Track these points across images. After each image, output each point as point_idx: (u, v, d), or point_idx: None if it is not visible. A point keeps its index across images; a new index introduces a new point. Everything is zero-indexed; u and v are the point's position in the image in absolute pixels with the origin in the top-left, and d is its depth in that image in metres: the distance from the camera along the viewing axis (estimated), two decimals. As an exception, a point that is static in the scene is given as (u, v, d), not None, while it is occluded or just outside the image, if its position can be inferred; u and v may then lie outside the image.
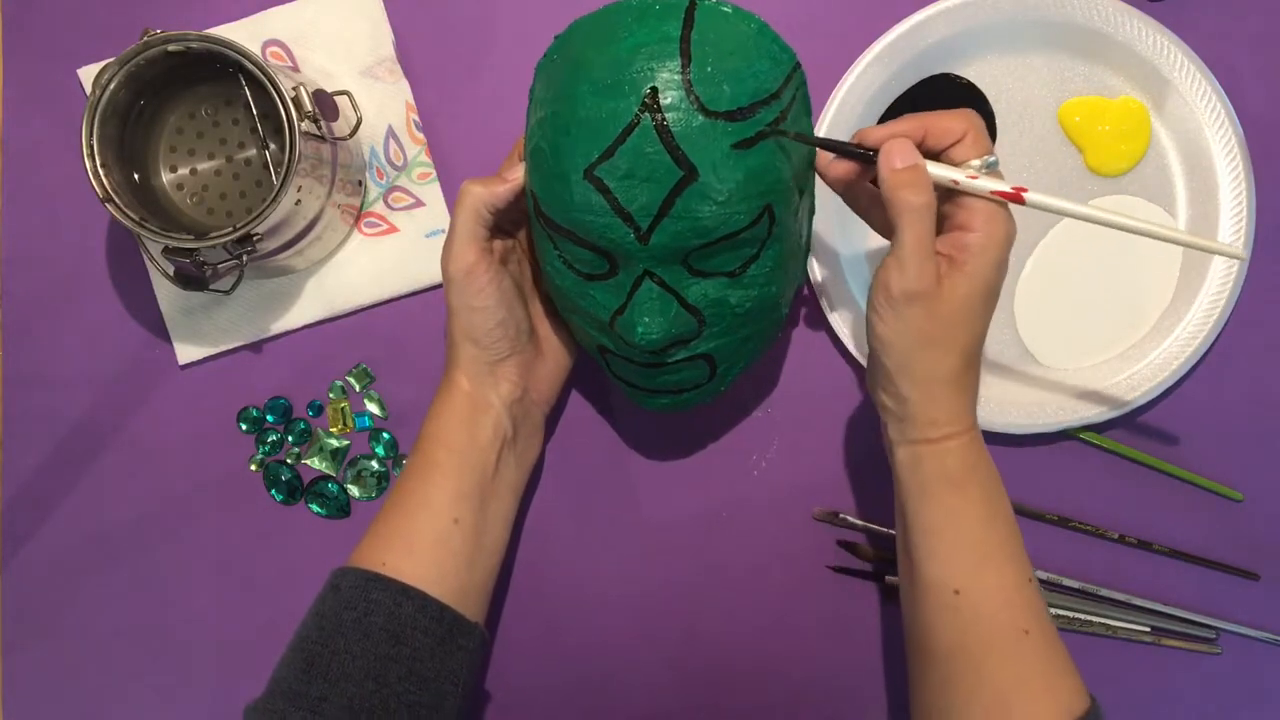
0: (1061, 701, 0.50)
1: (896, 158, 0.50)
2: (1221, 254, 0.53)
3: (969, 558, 0.51)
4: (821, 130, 0.65)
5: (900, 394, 0.52)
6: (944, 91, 0.67)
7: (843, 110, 0.66)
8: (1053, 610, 0.66)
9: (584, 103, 0.51)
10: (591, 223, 0.52)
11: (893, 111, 0.67)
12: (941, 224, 0.52)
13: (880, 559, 0.67)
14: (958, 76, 0.67)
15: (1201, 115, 0.65)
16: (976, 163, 0.51)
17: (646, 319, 0.54)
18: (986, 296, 0.51)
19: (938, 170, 0.51)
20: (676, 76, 0.50)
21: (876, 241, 0.68)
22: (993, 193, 0.50)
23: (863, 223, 0.68)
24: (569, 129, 0.51)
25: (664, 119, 0.50)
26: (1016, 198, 0.50)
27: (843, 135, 0.66)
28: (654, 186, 0.50)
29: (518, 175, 0.56)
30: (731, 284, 0.55)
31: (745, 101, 0.51)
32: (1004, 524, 0.53)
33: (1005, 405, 0.66)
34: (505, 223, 0.59)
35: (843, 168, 0.54)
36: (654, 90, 0.50)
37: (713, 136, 0.50)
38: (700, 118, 0.50)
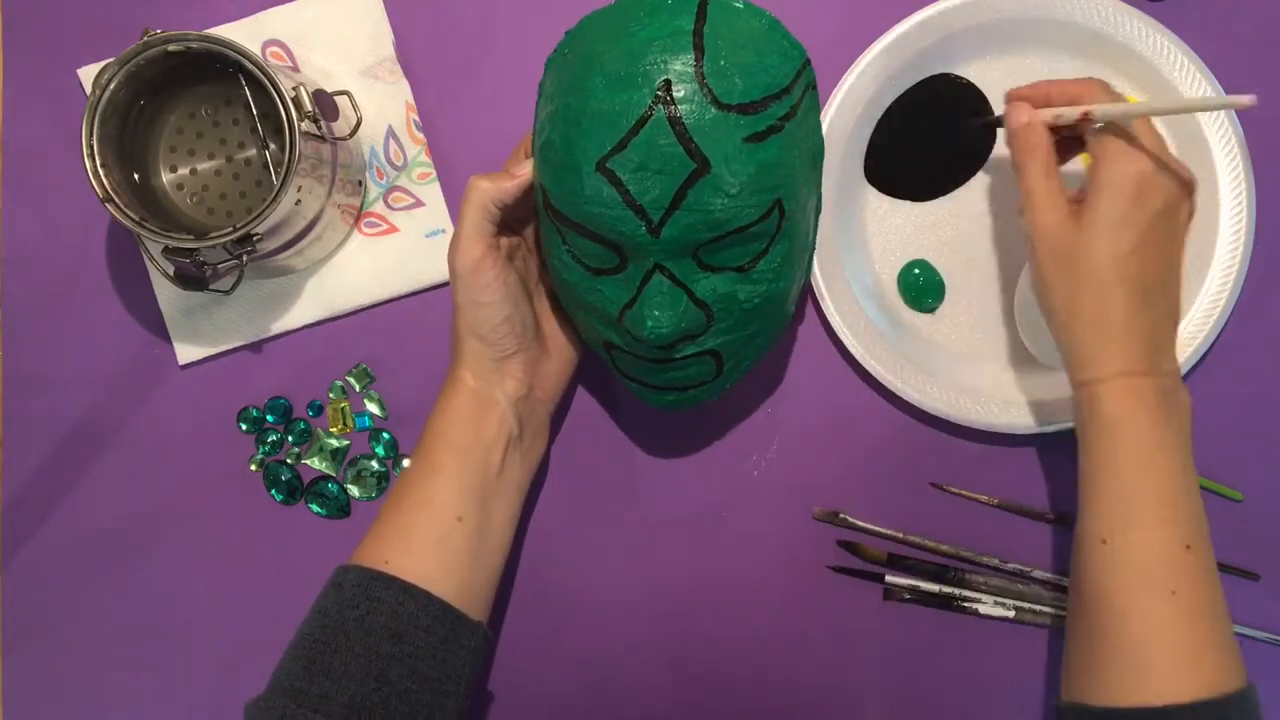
0: (1205, 672, 0.49)
1: (1015, 117, 0.57)
2: (1229, 105, 0.56)
3: (1117, 510, 0.52)
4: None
5: (1056, 334, 0.56)
6: (944, 91, 0.67)
7: (843, 110, 0.66)
8: (1053, 610, 0.66)
9: (596, 95, 0.51)
10: (602, 215, 0.52)
11: (893, 111, 0.67)
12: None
13: (881, 559, 0.67)
14: (958, 76, 0.67)
15: (1201, 115, 0.65)
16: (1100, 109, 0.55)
17: (657, 312, 0.54)
18: (1109, 230, 0.53)
19: (1048, 112, 0.57)
20: (690, 69, 0.50)
21: (878, 243, 0.68)
22: (1082, 116, 0.55)
23: (864, 225, 0.68)
24: (581, 121, 0.51)
25: (677, 111, 0.50)
26: (1085, 119, 0.56)
27: (843, 134, 0.66)
28: (666, 179, 0.51)
29: (525, 171, 0.56)
30: (740, 279, 0.55)
31: (757, 95, 0.51)
32: (1159, 485, 0.52)
33: (1005, 405, 0.66)
34: (511, 220, 0.59)
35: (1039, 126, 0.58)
36: (667, 83, 0.50)
37: (725, 129, 0.50)
38: (713, 110, 0.50)
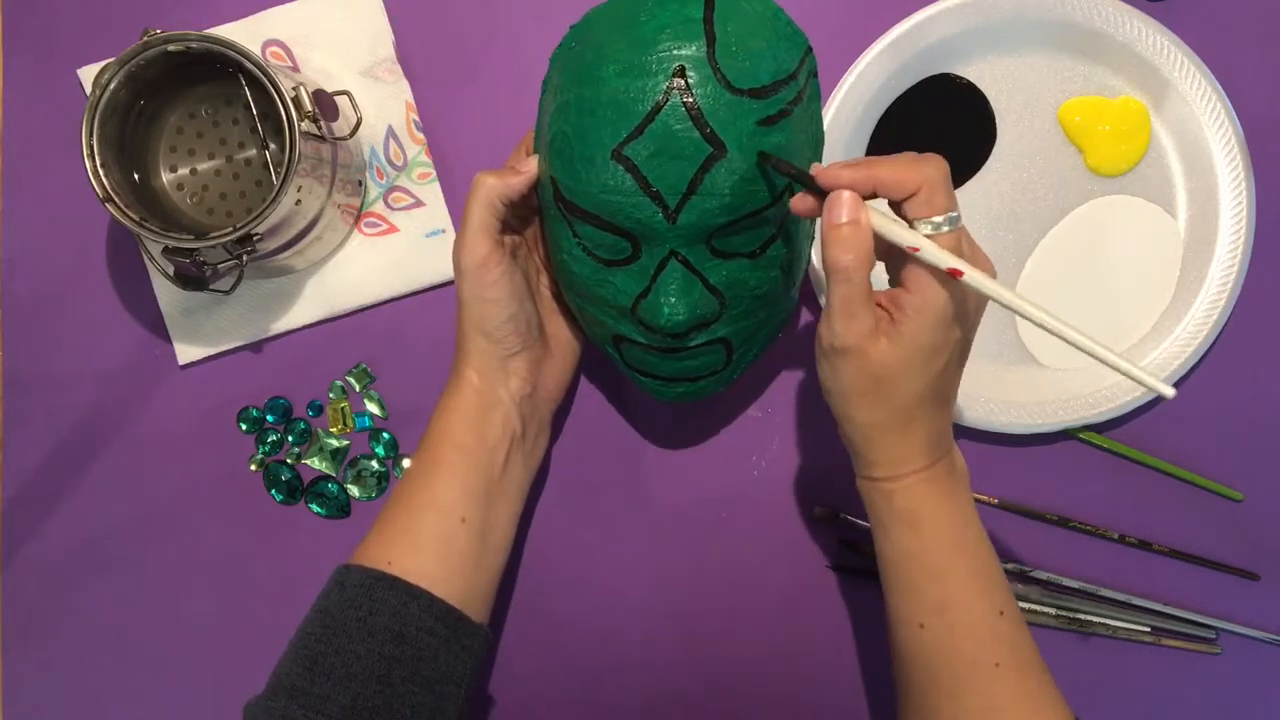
0: None
1: (834, 212, 0.48)
2: (1148, 386, 0.47)
3: (929, 595, 0.52)
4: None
5: (845, 434, 0.53)
6: (944, 91, 0.67)
7: (843, 111, 0.66)
8: (1053, 610, 0.66)
9: (610, 84, 0.51)
10: (619, 203, 0.52)
11: (893, 112, 0.67)
12: (897, 275, 0.51)
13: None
14: (958, 76, 0.67)
15: (1201, 115, 0.65)
16: (939, 219, 0.47)
17: (673, 299, 0.54)
18: (925, 358, 0.49)
19: (883, 228, 0.48)
20: (702, 55, 0.50)
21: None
22: (931, 266, 0.47)
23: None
24: (595, 110, 0.52)
25: (693, 97, 0.50)
26: (952, 274, 0.47)
27: (842, 136, 0.66)
28: (683, 164, 0.51)
29: (531, 167, 0.56)
30: (751, 265, 0.55)
31: (768, 80, 0.52)
32: (968, 561, 0.52)
33: (1005, 405, 0.66)
34: (512, 219, 0.59)
35: (806, 204, 0.51)
36: (681, 68, 0.50)
37: (739, 113, 0.51)
38: (727, 95, 0.51)
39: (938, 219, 0.48)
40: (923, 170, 0.48)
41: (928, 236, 0.47)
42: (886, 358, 0.49)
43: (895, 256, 0.50)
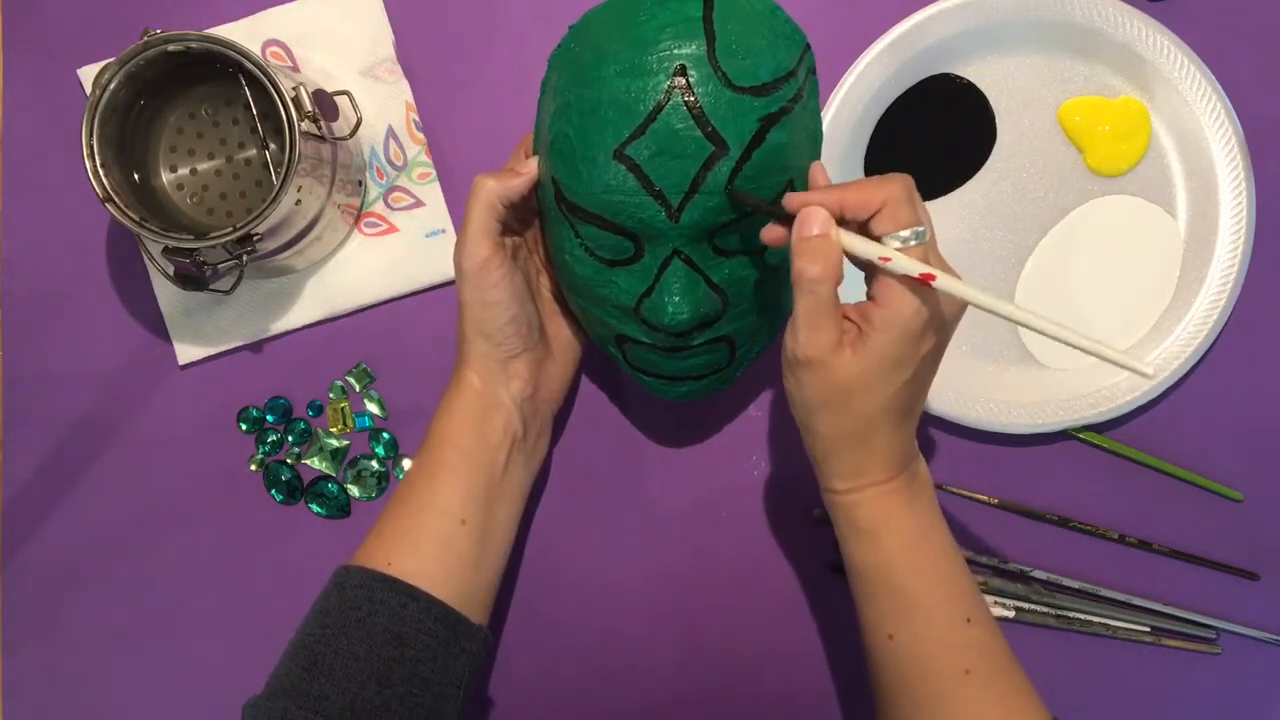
0: None
1: (805, 225, 0.48)
2: (1132, 370, 0.48)
3: (894, 606, 0.52)
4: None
5: (808, 446, 0.53)
6: (944, 91, 0.67)
7: (843, 111, 0.66)
8: (1053, 610, 0.66)
9: (610, 84, 0.51)
10: (622, 203, 0.52)
11: (893, 112, 0.67)
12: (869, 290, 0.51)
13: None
14: (958, 76, 0.67)
15: (1201, 115, 0.65)
16: (905, 234, 0.48)
17: (676, 298, 0.54)
18: (888, 372, 0.49)
19: (851, 243, 0.48)
20: (702, 54, 0.51)
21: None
22: (901, 276, 0.47)
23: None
24: (596, 110, 0.52)
25: (694, 95, 0.50)
26: (922, 281, 0.47)
27: (842, 136, 0.66)
28: (685, 162, 0.51)
29: (531, 168, 0.56)
30: (753, 263, 0.56)
31: (768, 77, 0.52)
32: (933, 570, 0.52)
33: (1005, 405, 0.66)
34: (512, 221, 0.59)
35: (775, 233, 0.52)
36: (682, 67, 0.50)
37: (740, 111, 0.51)
38: (728, 93, 0.51)
39: (904, 234, 0.48)
40: (886, 187, 0.48)
41: (896, 250, 0.48)
42: (850, 371, 0.49)
43: (871, 274, 0.50)
